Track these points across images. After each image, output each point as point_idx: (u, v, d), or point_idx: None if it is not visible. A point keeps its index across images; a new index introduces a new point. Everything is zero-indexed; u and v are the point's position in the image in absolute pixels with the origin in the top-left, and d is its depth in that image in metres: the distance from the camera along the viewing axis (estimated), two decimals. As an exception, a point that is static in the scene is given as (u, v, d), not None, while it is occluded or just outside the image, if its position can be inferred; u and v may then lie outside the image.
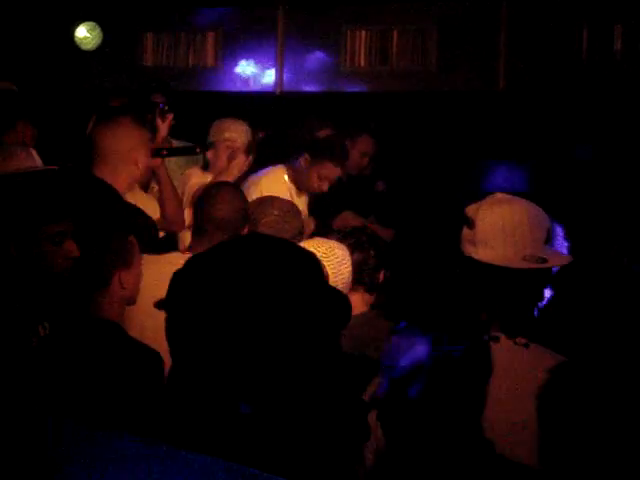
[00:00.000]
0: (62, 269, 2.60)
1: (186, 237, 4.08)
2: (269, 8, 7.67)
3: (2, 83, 5.09)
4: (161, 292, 3.20)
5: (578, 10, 6.93)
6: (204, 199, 3.69)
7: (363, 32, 7.56)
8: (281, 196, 4.56)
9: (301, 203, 4.93)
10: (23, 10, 7.33)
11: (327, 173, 4.87)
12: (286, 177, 4.99)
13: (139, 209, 3.60)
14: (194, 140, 5.10)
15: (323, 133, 5.31)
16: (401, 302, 3.41)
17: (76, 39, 7.42)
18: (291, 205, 3.91)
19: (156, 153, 4.28)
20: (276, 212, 3.75)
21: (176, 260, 3.51)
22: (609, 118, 6.72)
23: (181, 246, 4.20)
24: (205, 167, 4.96)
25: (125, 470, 1.24)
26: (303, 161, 4.93)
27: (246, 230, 3.66)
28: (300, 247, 1.43)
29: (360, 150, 5.65)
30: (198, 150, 4.68)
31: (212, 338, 1.32)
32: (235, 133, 4.83)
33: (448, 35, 7.37)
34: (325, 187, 4.90)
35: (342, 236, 3.43)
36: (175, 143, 5.08)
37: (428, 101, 7.34)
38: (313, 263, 1.38)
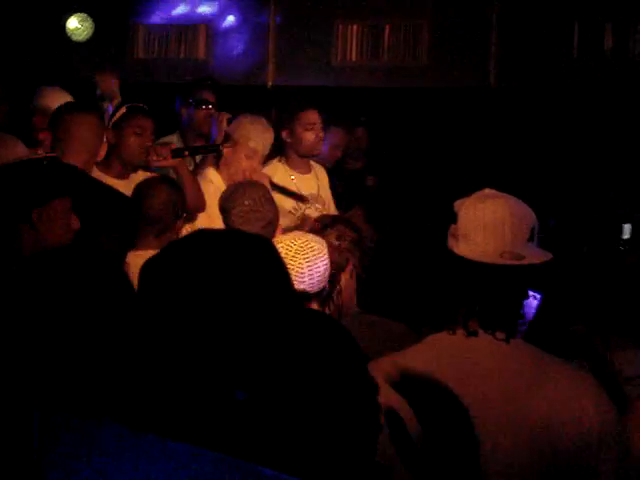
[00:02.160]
0: (66, 240, 2.61)
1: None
2: (261, 1, 7.66)
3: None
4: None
5: (569, 7, 6.95)
6: (136, 197, 3.70)
7: (355, 26, 7.56)
8: (287, 186, 4.54)
9: (309, 186, 4.94)
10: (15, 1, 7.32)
11: (307, 120, 4.87)
12: (282, 166, 4.97)
13: (114, 191, 3.63)
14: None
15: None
16: (381, 294, 3.42)
17: (67, 30, 7.41)
18: (263, 194, 3.85)
19: (178, 154, 4.34)
20: (246, 202, 3.73)
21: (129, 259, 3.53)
22: (599, 114, 6.75)
23: None
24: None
25: (111, 458, 1.25)
26: (285, 135, 4.94)
27: (179, 225, 3.64)
28: (247, 236, 1.43)
29: (331, 143, 5.65)
30: (222, 149, 4.64)
31: (186, 329, 1.32)
32: (260, 144, 4.71)
33: (440, 31, 7.37)
34: (320, 135, 4.88)
35: (323, 226, 3.46)
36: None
37: (419, 96, 7.35)
38: (262, 247, 1.38)
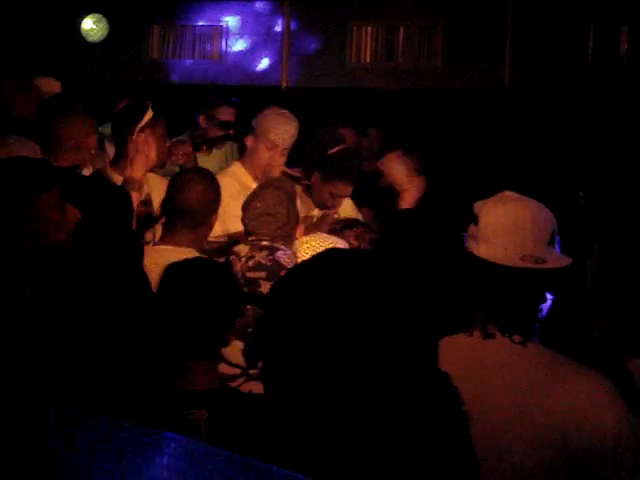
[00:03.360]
0: (67, 234, 2.59)
1: (158, 234, 4.09)
2: (275, 2, 7.67)
3: (46, 80, 5.13)
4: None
5: (585, 11, 6.93)
6: (173, 188, 3.66)
7: (369, 28, 7.55)
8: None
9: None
10: (30, 1, 7.34)
11: (339, 192, 4.81)
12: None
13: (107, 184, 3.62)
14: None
15: (335, 150, 5.30)
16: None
17: (82, 31, 7.43)
18: (278, 195, 3.82)
19: (196, 149, 4.34)
20: (258, 204, 3.72)
21: (160, 252, 3.50)
22: (614, 117, 6.72)
23: (154, 237, 4.17)
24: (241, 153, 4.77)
25: (126, 458, 1.24)
26: (314, 178, 4.89)
27: (213, 220, 3.60)
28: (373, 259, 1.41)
29: (371, 139, 5.65)
30: (232, 132, 4.63)
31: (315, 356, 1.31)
32: (280, 137, 4.67)
33: (454, 33, 7.37)
34: (338, 204, 4.84)
35: (341, 227, 3.45)
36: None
37: (433, 98, 7.34)
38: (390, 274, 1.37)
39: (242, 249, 3.17)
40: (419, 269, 2.51)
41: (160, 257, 3.37)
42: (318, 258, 1.38)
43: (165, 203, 3.62)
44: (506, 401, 2.01)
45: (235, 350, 3.14)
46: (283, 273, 3.06)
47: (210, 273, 2.59)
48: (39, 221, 2.51)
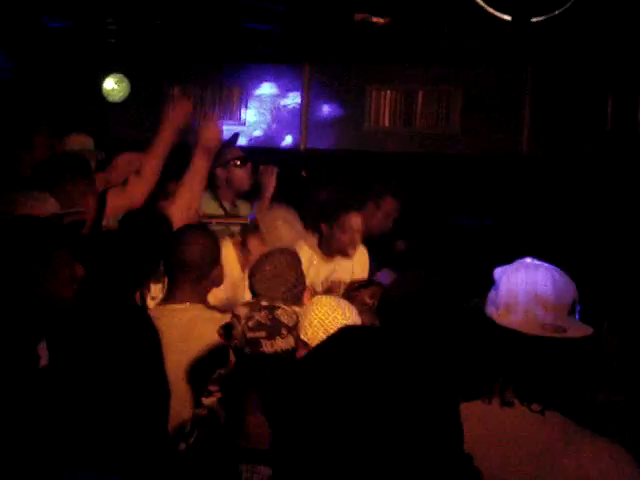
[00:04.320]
0: (73, 290, 2.63)
1: (155, 288, 4.10)
2: (295, 65, 7.75)
3: (79, 136, 5.22)
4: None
5: (603, 79, 6.96)
6: (173, 244, 3.70)
7: (388, 92, 7.61)
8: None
9: (328, 269, 4.95)
10: (53, 61, 7.44)
11: (349, 226, 4.89)
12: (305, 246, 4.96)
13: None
14: None
15: (324, 195, 5.39)
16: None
17: (104, 91, 7.51)
18: (285, 258, 3.85)
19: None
20: (268, 267, 3.75)
21: (164, 312, 3.52)
22: (632, 186, 6.71)
23: (149, 297, 4.19)
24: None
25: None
26: (324, 229, 4.95)
27: (216, 273, 3.64)
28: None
29: (384, 211, 5.65)
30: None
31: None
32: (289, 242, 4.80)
33: (473, 98, 7.41)
34: (357, 238, 4.90)
35: (358, 287, 3.46)
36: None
37: (451, 163, 7.36)
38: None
39: (242, 310, 3.18)
40: (434, 337, 2.50)
41: (172, 316, 3.41)
42: (333, 339, 1.39)
43: (166, 259, 3.66)
44: (522, 471, 1.99)
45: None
46: (284, 331, 3.08)
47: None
48: (52, 278, 2.55)
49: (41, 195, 3.52)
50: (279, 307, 3.17)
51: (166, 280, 3.94)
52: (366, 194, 5.59)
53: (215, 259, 3.63)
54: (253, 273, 3.76)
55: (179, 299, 3.56)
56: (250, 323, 3.04)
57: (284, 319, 3.17)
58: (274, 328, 3.12)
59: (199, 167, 4.27)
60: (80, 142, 5.21)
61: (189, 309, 3.47)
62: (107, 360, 2.37)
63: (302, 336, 3.06)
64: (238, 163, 5.41)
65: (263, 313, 3.11)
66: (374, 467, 1.27)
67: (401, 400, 1.29)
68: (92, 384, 2.47)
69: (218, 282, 3.65)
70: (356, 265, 5.06)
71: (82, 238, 3.25)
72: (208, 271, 3.58)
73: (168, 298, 3.63)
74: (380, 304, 3.00)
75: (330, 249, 4.95)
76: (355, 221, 4.91)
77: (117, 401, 2.43)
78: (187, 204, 4.20)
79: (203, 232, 3.75)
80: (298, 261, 3.90)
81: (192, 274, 3.56)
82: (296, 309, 3.27)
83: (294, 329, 3.00)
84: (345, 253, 4.96)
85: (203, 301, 3.55)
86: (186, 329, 3.24)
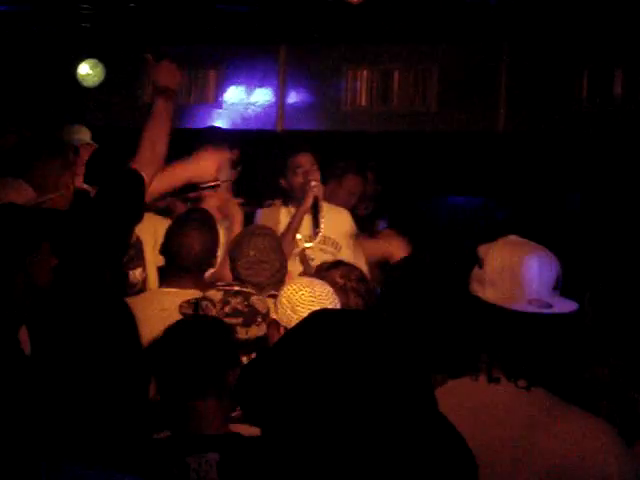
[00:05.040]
0: (49, 279, 2.64)
1: (151, 276, 4.09)
2: (271, 46, 7.71)
3: (76, 128, 5.16)
4: (144, 332, 3.20)
5: (579, 54, 6.98)
6: (171, 233, 3.68)
7: (364, 72, 7.60)
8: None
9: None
10: (26, 47, 7.37)
11: (297, 165, 4.89)
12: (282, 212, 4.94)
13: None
14: None
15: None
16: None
17: (78, 76, 7.46)
18: (269, 242, 3.82)
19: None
20: (252, 252, 3.72)
21: (155, 297, 3.52)
22: (608, 161, 6.75)
23: (150, 285, 4.16)
24: None
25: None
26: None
27: (215, 260, 3.64)
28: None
29: (347, 189, 5.63)
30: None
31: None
32: (225, 175, 4.69)
33: (449, 76, 7.41)
34: (311, 180, 4.87)
35: (328, 267, 3.47)
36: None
37: (428, 141, 7.36)
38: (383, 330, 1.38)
39: (215, 295, 3.16)
40: (420, 318, 2.51)
41: (166, 301, 3.40)
42: (308, 322, 1.39)
43: (164, 246, 3.65)
44: (509, 445, 2.00)
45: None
46: (259, 319, 3.07)
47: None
48: (38, 266, 2.57)
49: (16, 182, 3.51)
50: (253, 294, 3.18)
51: (146, 264, 3.93)
52: (329, 172, 5.58)
53: (214, 249, 3.63)
54: (237, 257, 3.72)
55: (178, 285, 3.55)
56: (226, 309, 3.03)
57: (259, 306, 3.18)
58: (250, 315, 3.12)
59: (158, 112, 3.70)
60: (77, 133, 5.15)
61: (180, 294, 3.46)
62: (80, 348, 2.37)
63: (272, 314, 3.05)
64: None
65: (239, 299, 3.11)
66: (346, 450, 1.27)
67: (369, 383, 1.30)
68: (65, 373, 2.47)
69: (216, 265, 3.66)
70: (333, 225, 5.00)
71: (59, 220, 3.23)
72: (208, 261, 3.59)
73: (166, 282, 3.63)
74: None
75: (296, 201, 4.87)
76: (303, 159, 4.84)
77: (93, 386, 2.43)
78: (153, 162, 3.77)
79: (200, 221, 3.72)
80: (279, 243, 3.88)
81: (191, 263, 3.55)
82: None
83: (267, 316, 3.00)
84: (300, 198, 4.84)
85: (202, 287, 3.52)
86: (176, 313, 3.25)
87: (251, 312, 3.12)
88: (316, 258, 4.65)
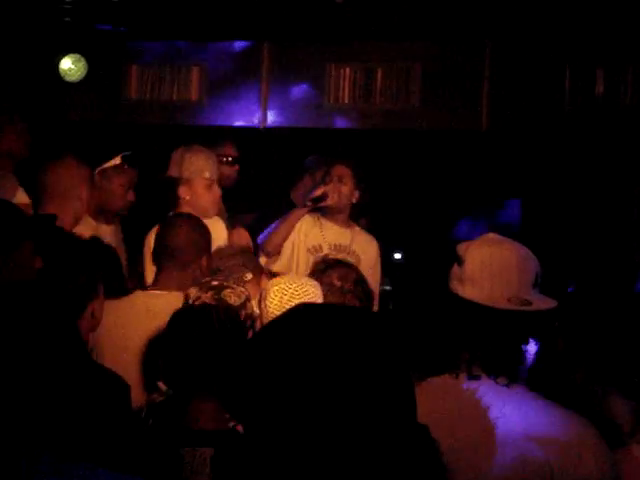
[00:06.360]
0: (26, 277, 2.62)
1: (150, 274, 4.07)
2: (254, 43, 7.69)
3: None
4: (126, 332, 3.23)
5: (561, 53, 7.00)
6: (160, 232, 3.70)
7: (347, 69, 7.59)
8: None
9: (340, 238, 5.00)
10: (7, 40, 7.33)
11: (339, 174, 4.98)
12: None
13: (97, 242, 3.63)
14: None
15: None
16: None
17: (60, 70, 7.42)
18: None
19: None
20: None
21: (139, 299, 3.51)
22: (589, 159, 6.77)
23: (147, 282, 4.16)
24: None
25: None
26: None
27: (204, 262, 3.62)
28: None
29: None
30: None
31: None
32: (213, 171, 4.67)
33: (432, 74, 7.41)
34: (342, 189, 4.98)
35: (325, 267, 3.46)
36: None
37: (411, 139, 7.37)
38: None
39: (192, 291, 3.18)
40: (401, 316, 2.51)
41: (149, 302, 3.40)
42: (290, 317, 1.39)
43: (154, 247, 3.67)
44: (490, 442, 2.01)
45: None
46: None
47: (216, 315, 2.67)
48: (18, 266, 2.55)
49: (10, 184, 3.51)
50: (228, 287, 3.17)
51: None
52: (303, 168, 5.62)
53: (202, 247, 3.62)
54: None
55: (162, 285, 3.55)
56: (196, 304, 3.04)
57: (231, 299, 3.17)
58: None
59: None
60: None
61: (166, 296, 3.45)
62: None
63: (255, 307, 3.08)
64: (229, 160, 5.33)
65: (209, 294, 3.11)
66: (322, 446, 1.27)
67: (349, 380, 1.30)
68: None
69: (207, 272, 3.62)
70: (357, 240, 5.10)
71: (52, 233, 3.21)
72: (193, 258, 3.56)
73: (154, 283, 3.62)
74: None
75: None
76: (344, 171, 4.97)
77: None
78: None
79: (191, 219, 3.74)
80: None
81: (177, 260, 3.55)
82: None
83: (242, 308, 3.00)
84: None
85: (183, 287, 3.52)
86: (160, 316, 3.24)
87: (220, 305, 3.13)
88: None
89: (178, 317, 2.75)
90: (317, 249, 4.99)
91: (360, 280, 3.44)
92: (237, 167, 5.31)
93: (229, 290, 3.11)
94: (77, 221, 3.93)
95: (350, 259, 4.98)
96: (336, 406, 1.27)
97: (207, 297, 2.98)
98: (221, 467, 2.37)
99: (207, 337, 2.64)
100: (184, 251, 3.56)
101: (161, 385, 2.78)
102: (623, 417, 2.53)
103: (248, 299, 3.02)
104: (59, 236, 3.17)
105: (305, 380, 1.28)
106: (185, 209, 4.48)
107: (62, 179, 3.87)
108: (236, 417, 2.39)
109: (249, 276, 3.52)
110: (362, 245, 5.12)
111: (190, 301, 2.99)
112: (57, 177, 3.86)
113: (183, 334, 2.66)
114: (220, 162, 5.21)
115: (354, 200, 5.12)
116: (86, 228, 4.03)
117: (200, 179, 4.57)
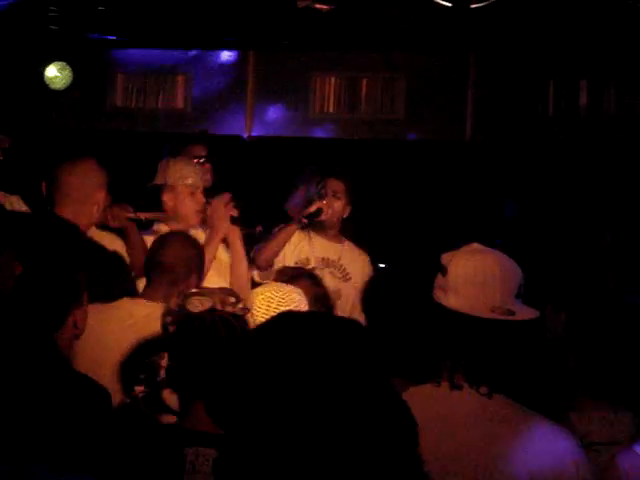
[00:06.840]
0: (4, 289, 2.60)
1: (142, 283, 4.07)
2: (239, 52, 7.71)
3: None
4: (107, 338, 3.23)
5: (545, 64, 7.04)
6: (152, 246, 3.70)
7: (332, 79, 7.62)
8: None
9: (329, 252, 5.07)
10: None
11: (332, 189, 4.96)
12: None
13: (105, 249, 3.61)
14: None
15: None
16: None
17: (46, 78, 7.41)
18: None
19: (134, 220, 4.32)
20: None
21: (123, 305, 3.50)
22: (572, 170, 6.81)
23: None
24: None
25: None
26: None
27: (193, 281, 3.60)
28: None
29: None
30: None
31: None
32: (197, 178, 4.67)
33: (416, 85, 7.44)
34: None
35: (289, 279, 3.47)
36: None
37: (395, 149, 7.39)
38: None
39: (173, 301, 3.19)
40: (384, 325, 2.52)
41: (134, 309, 3.39)
42: (274, 324, 1.40)
43: (145, 262, 3.65)
44: (472, 452, 2.02)
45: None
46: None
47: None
48: (2, 272, 2.54)
49: (15, 200, 3.49)
50: (195, 294, 3.16)
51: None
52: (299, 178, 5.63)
53: (192, 267, 3.59)
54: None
55: (148, 297, 3.53)
56: (202, 310, 3.03)
57: (190, 307, 3.17)
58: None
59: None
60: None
61: (148, 306, 3.43)
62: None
63: None
64: (200, 160, 5.32)
65: (175, 300, 3.12)
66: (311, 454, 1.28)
67: (334, 388, 1.31)
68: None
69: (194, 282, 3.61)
70: (348, 256, 5.15)
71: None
72: (184, 277, 3.54)
73: (140, 295, 3.61)
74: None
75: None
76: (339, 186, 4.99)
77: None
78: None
79: (183, 237, 3.74)
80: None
81: (166, 276, 3.52)
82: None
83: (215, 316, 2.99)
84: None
85: (168, 299, 3.50)
86: (141, 324, 3.22)
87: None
88: (324, 279, 4.71)
89: (185, 324, 2.75)
90: (304, 262, 5.03)
91: (321, 296, 3.45)
92: (209, 166, 5.27)
93: (196, 298, 3.10)
94: (90, 226, 3.89)
95: (337, 274, 5.04)
96: (319, 412, 1.28)
97: (172, 302, 2.99)
98: (222, 469, 2.38)
99: (214, 345, 2.65)
100: (175, 269, 3.55)
101: (138, 389, 2.78)
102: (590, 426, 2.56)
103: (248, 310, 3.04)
104: (66, 239, 3.14)
105: (289, 386, 1.29)
106: (170, 215, 4.51)
107: (82, 183, 3.81)
108: (218, 423, 2.41)
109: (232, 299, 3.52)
110: (351, 260, 5.17)
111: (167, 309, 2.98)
112: (77, 180, 3.80)
113: (191, 340, 2.68)
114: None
115: (345, 215, 5.16)
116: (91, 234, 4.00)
117: (183, 186, 4.57)
